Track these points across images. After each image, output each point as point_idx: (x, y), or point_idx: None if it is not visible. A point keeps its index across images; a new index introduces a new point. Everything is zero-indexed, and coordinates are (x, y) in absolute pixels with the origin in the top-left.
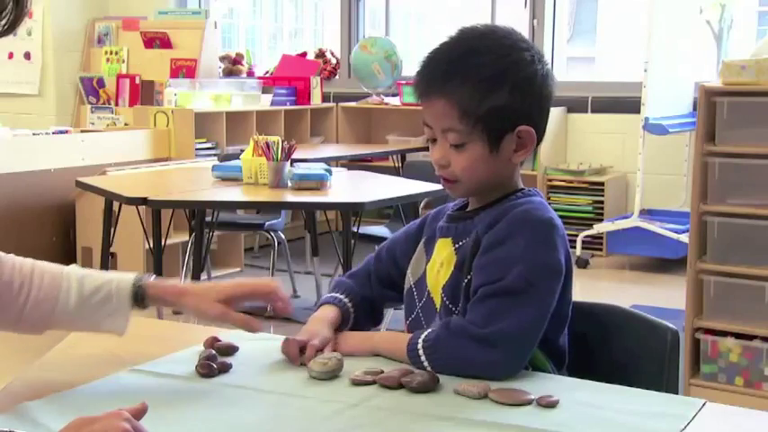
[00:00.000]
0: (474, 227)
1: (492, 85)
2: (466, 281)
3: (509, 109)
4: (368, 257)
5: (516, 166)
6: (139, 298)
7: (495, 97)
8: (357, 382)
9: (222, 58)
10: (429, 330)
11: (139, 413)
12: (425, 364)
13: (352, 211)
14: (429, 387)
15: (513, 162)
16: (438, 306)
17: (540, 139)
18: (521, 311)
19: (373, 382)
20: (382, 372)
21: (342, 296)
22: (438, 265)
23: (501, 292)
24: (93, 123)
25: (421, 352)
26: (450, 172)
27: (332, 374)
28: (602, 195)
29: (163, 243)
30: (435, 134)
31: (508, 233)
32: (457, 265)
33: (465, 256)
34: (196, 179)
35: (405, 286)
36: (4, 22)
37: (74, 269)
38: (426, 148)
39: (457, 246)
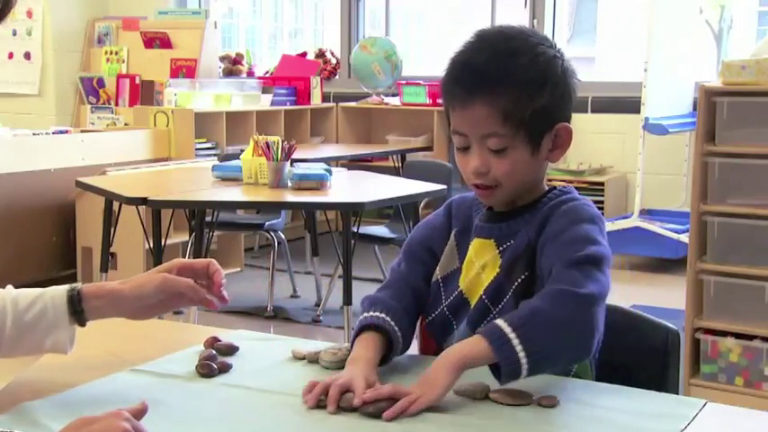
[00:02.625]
0: (518, 228)
1: (535, 86)
2: (518, 282)
3: (549, 109)
4: (393, 267)
5: (547, 165)
6: (75, 301)
7: (538, 98)
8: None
9: (222, 58)
10: (507, 317)
11: (139, 413)
12: (518, 348)
13: (352, 211)
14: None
15: (549, 161)
16: (472, 305)
17: None
18: (604, 279)
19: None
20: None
21: (385, 318)
22: (478, 267)
23: (587, 261)
24: (93, 123)
25: (513, 336)
26: (491, 178)
27: (342, 364)
28: (602, 195)
29: (163, 243)
30: (470, 141)
31: (570, 221)
32: (503, 267)
33: (514, 260)
34: (196, 179)
35: (432, 279)
36: None
37: (7, 290)
38: (427, 148)
39: (501, 248)
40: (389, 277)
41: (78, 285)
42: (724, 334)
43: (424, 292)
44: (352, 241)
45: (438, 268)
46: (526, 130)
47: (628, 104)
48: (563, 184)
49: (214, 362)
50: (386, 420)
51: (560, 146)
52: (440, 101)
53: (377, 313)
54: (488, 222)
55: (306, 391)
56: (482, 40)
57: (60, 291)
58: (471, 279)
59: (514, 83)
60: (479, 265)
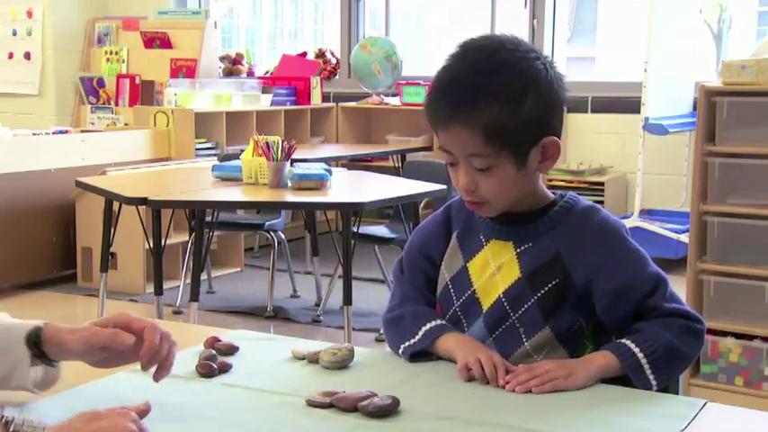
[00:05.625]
0: (537, 232)
1: (515, 103)
2: (546, 290)
3: (533, 123)
4: (396, 274)
5: (539, 175)
6: (32, 341)
7: (519, 115)
8: (312, 404)
9: (222, 58)
10: (638, 338)
11: (143, 413)
12: (650, 376)
13: (352, 211)
14: (387, 411)
15: (538, 173)
16: (486, 307)
17: None
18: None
19: (330, 405)
20: (337, 393)
21: (443, 321)
22: (493, 268)
23: (667, 287)
24: (93, 123)
25: (645, 364)
26: (479, 195)
27: (342, 364)
28: (602, 195)
29: (163, 243)
30: (457, 159)
31: (614, 246)
32: (524, 271)
33: (539, 266)
34: (196, 179)
35: (439, 283)
36: None
37: None
38: (427, 148)
39: (519, 250)
40: (401, 288)
41: (40, 326)
42: (724, 334)
43: (431, 297)
44: (352, 241)
45: (444, 270)
46: (510, 147)
47: (628, 104)
48: (563, 183)
49: (214, 362)
50: (508, 390)
51: (549, 158)
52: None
53: (437, 322)
54: (504, 225)
55: (464, 369)
56: (462, 57)
57: (23, 327)
58: (486, 280)
59: (494, 101)
60: (495, 266)
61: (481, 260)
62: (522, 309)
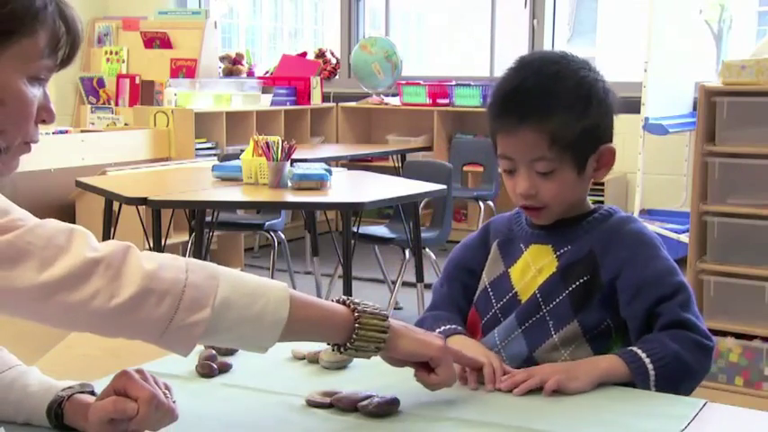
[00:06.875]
0: (576, 236)
1: (580, 109)
2: (576, 285)
3: (594, 130)
4: (435, 287)
5: (590, 182)
6: (53, 417)
7: (583, 121)
8: (312, 404)
9: (222, 58)
10: (646, 346)
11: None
12: (652, 379)
13: (352, 211)
14: (387, 411)
15: (594, 179)
16: (523, 302)
17: None
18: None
19: (330, 405)
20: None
21: (458, 326)
22: (534, 270)
23: (688, 299)
24: (93, 123)
25: (651, 370)
26: (539, 200)
27: (342, 365)
28: (602, 195)
29: (163, 243)
30: (517, 165)
31: (642, 249)
32: (560, 268)
33: (572, 263)
34: (196, 179)
35: (478, 289)
36: (62, 52)
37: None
38: (427, 148)
39: (558, 253)
40: (435, 297)
41: (64, 398)
42: (724, 334)
43: (465, 308)
44: (352, 241)
45: (484, 275)
46: (572, 152)
47: (628, 104)
48: None
49: (214, 362)
50: (504, 390)
51: (605, 165)
52: (489, 124)
53: (451, 326)
54: (544, 230)
55: (461, 377)
56: (525, 66)
57: (55, 387)
58: (527, 281)
59: (560, 107)
60: (536, 269)
61: (522, 265)
62: (554, 302)
